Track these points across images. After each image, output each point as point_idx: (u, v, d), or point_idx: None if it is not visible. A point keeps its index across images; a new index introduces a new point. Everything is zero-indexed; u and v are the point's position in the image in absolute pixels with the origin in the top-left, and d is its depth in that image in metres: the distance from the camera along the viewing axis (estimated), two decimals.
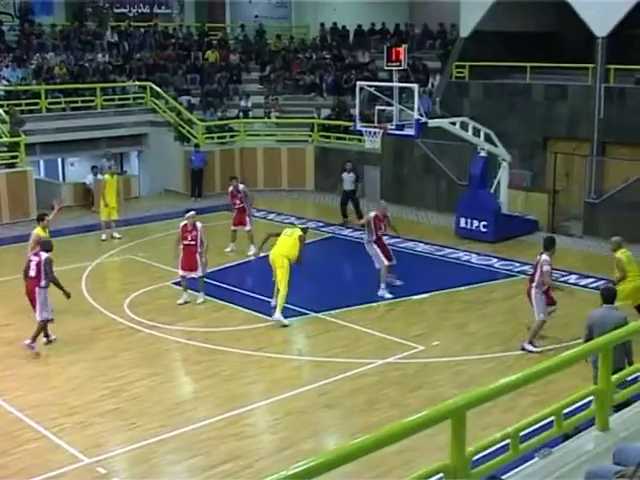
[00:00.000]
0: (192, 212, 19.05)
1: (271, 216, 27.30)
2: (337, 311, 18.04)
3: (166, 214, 27.10)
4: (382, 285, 19.16)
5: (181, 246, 18.62)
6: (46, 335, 16.22)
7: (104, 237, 24.25)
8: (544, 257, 15.45)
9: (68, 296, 16.18)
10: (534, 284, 15.57)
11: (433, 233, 25.05)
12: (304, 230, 18.35)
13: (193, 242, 18.44)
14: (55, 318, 16.23)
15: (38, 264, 15.72)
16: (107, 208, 24.39)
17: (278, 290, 17.64)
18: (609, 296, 12.11)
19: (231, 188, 22.98)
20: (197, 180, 30.19)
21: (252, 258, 21.98)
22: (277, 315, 17.33)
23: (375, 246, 19.28)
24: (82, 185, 28.93)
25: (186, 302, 18.68)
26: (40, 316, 15.72)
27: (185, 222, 18.63)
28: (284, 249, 17.73)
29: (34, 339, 15.76)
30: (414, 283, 20.11)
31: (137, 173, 32.48)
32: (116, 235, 24.58)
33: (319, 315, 17.92)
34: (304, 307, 18.25)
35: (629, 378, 8.48)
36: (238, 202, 22.74)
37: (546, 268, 15.36)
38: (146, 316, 17.73)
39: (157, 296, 19.19)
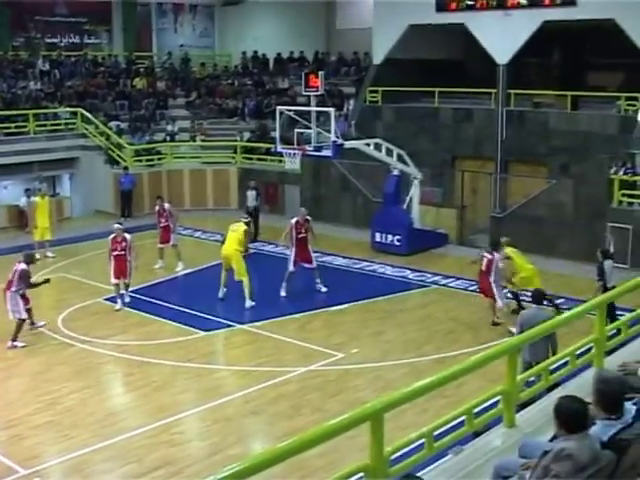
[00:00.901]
0: (119, 224, 19.91)
1: (197, 234, 27.17)
2: (261, 322, 18.00)
3: (97, 234, 26.63)
4: (283, 284, 20.16)
5: (112, 257, 19.20)
6: (32, 323, 17.50)
7: (38, 256, 23.80)
8: (498, 255, 17.48)
9: (48, 281, 17.74)
10: (492, 278, 17.36)
11: (350, 247, 25.14)
12: (247, 224, 20.60)
13: (123, 252, 19.21)
14: None
15: (14, 272, 16.85)
16: (39, 229, 24.05)
17: (240, 282, 19.09)
18: (538, 298, 13.09)
19: (157, 207, 22.95)
20: (126, 201, 29.90)
21: (180, 274, 21.96)
22: (248, 303, 19.01)
23: (292, 250, 20.21)
24: (16, 207, 28.35)
25: (122, 308, 18.97)
26: (14, 316, 16.78)
27: (114, 234, 19.25)
28: (234, 243, 19.26)
29: (14, 339, 16.63)
30: (333, 295, 20.18)
31: (69, 195, 31.97)
32: (49, 254, 24.15)
33: (244, 327, 17.86)
34: (230, 319, 18.21)
35: (532, 379, 8.62)
36: (163, 220, 22.64)
37: (501, 265, 17.51)
38: (79, 331, 17.46)
39: (90, 312, 18.92)
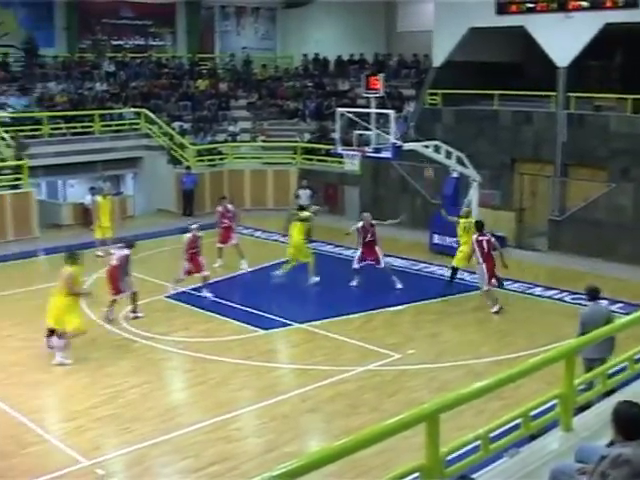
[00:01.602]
0: (195, 225, 20.34)
1: (258, 233, 27.31)
2: (320, 322, 18.02)
3: (159, 232, 27.04)
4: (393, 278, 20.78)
5: (189, 254, 19.87)
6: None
7: (100, 253, 24.13)
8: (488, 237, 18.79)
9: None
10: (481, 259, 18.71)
11: (409, 249, 25.06)
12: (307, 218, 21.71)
13: (196, 250, 20.06)
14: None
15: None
16: (101, 228, 24.37)
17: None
18: (594, 293, 12.83)
19: (220, 208, 23.01)
20: (188, 200, 30.21)
21: (241, 272, 22.11)
22: (313, 279, 20.78)
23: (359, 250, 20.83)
24: (81, 205, 28.77)
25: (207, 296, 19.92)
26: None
27: (193, 233, 19.94)
28: (300, 235, 21.02)
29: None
30: (391, 295, 20.15)
31: (132, 193, 32.37)
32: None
33: (302, 326, 17.90)
34: (288, 318, 18.27)
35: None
36: (226, 221, 22.76)
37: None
38: (141, 327, 17.66)
39: (152, 309, 19.11)
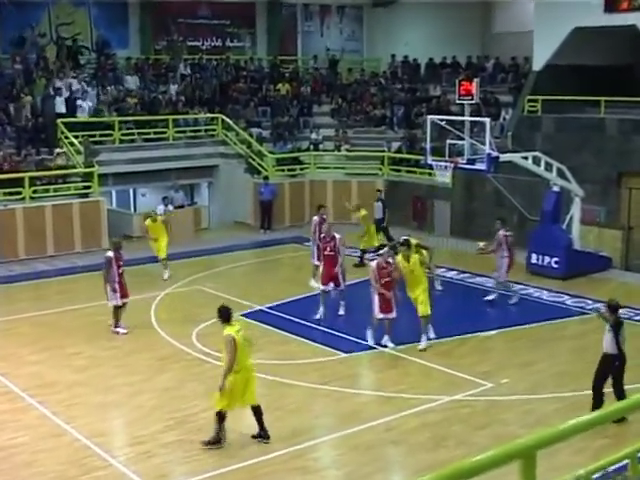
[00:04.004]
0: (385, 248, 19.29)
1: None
2: (406, 346, 17.92)
3: (235, 245, 27.30)
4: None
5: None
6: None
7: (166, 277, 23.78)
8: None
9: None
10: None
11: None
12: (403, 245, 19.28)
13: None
14: (121, 347, 16.42)
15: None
16: (156, 248, 23.92)
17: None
18: None
19: (317, 218, 22.83)
20: (267, 212, 30.40)
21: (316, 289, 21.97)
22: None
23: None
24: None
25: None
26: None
27: (384, 258, 18.15)
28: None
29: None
30: (483, 319, 19.97)
31: (207, 204, 32.76)
32: (165, 276, 23.67)
33: (387, 350, 17.83)
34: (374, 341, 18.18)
35: None
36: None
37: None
38: (214, 347, 17.76)
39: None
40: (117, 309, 18.65)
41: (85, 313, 19.91)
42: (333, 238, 20.15)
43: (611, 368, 13.96)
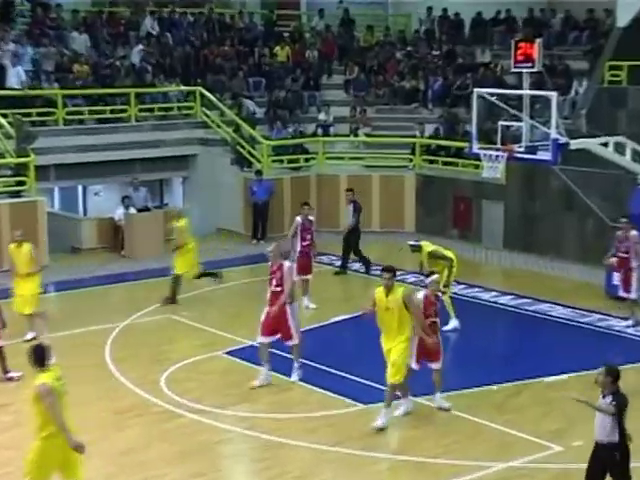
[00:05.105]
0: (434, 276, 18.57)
1: (356, 265, 27.29)
2: (444, 394, 17.87)
3: (219, 261, 27.26)
4: None
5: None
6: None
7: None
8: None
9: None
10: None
11: (575, 292, 24.80)
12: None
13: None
14: (71, 395, 16.38)
15: None
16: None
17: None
18: None
19: (300, 219, 23.32)
20: (260, 217, 30.39)
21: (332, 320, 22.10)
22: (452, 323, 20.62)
23: None
24: (109, 221, 29.15)
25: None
26: None
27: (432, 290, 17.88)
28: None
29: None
30: (548, 359, 19.92)
31: (181, 206, 32.72)
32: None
33: (418, 400, 17.79)
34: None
35: None
36: (309, 237, 23.19)
37: None
38: (190, 396, 17.76)
39: (205, 370, 19.24)
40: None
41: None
42: (280, 267, 18.55)
43: (608, 464, 12.98)
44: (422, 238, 25.59)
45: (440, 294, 18.78)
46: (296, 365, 18.67)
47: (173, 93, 33.10)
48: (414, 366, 17.19)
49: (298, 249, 23.12)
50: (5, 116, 28.65)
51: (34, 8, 34.25)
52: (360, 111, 34.32)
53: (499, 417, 17.02)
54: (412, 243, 21.40)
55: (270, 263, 18.74)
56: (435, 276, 18.13)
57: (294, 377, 18.50)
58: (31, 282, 20.40)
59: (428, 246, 21.08)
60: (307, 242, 23.08)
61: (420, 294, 17.50)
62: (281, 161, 31.95)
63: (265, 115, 33.87)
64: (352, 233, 26.98)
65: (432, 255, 20.80)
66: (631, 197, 24.40)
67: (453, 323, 21.36)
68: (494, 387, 17.79)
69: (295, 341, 18.49)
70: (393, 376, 16.42)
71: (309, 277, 23.29)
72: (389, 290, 16.27)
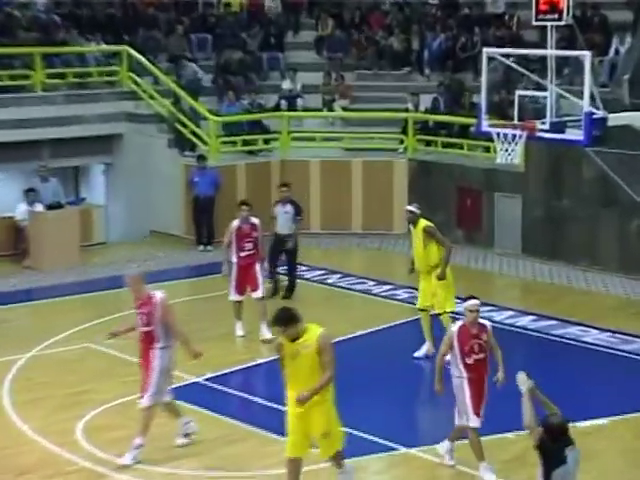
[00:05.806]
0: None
1: (333, 278, 27.26)
2: (444, 445, 17.83)
3: (152, 273, 27.20)
4: None
5: None
6: None
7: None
8: None
9: None
10: None
11: (615, 312, 24.91)
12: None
13: None
14: None
15: None
16: None
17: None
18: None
19: (237, 223, 23.30)
20: (204, 216, 30.42)
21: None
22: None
23: None
24: (9, 221, 29.04)
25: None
26: None
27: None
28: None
29: None
30: (580, 399, 19.92)
31: (103, 202, 32.65)
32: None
33: (414, 451, 17.81)
34: (391, 439, 18.21)
35: None
36: (250, 246, 23.01)
37: None
38: (115, 449, 17.68)
39: (136, 414, 19.15)
40: None
41: None
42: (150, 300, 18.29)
43: None
44: None
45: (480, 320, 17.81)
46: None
47: (92, 54, 33.01)
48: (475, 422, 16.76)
49: (234, 261, 23.12)
50: None
51: None
52: (336, 78, 34.36)
53: (515, 475, 16.97)
54: (411, 208, 21.35)
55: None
56: (474, 301, 16.88)
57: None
58: None
59: (424, 219, 21.15)
60: (247, 252, 22.86)
61: (454, 327, 16.97)
62: (234, 143, 31.94)
63: (213, 83, 33.86)
64: (279, 243, 26.47)
65: (428, 232, 20.86)
66: None
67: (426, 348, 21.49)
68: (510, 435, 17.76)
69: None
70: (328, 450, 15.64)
71: (259, 294, 23.24)
72: (296, 334, 14.98)
